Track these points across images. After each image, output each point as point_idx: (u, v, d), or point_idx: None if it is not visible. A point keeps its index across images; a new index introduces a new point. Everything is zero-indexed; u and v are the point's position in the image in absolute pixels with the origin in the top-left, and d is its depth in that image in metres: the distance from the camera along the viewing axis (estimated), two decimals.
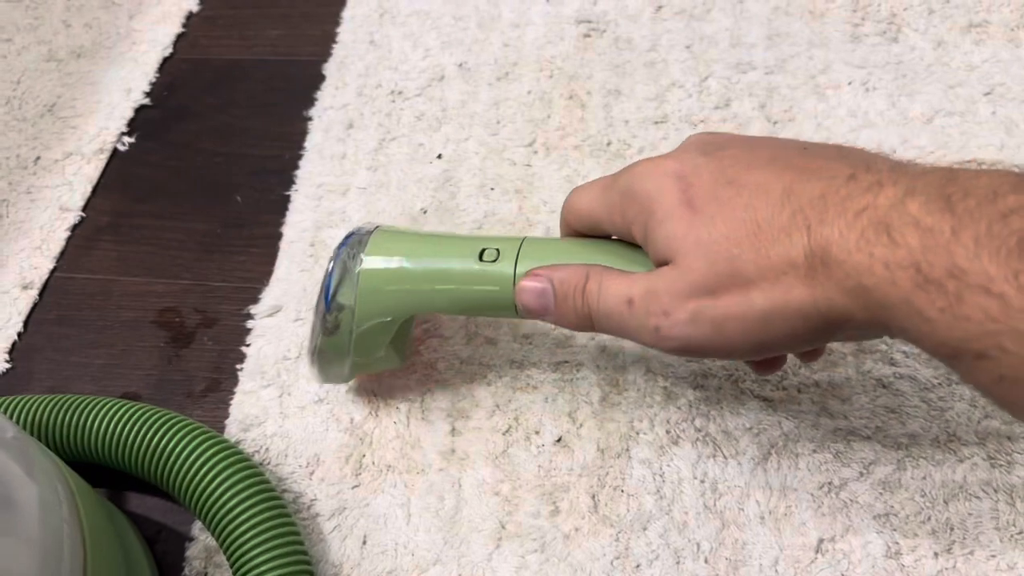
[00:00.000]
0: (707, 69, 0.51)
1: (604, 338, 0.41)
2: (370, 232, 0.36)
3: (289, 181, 0.49)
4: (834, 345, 0.40)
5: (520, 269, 0.33)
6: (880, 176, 0.25)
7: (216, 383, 0.42)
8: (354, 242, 0.35)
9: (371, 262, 0.35)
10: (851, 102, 0.48)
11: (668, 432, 0.38)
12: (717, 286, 0.27)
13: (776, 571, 0.34)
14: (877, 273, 0.24)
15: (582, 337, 0.41)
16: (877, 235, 0.24)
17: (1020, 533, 0.34)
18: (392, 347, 0.37)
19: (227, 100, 0.54)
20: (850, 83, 0.49)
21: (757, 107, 0.48)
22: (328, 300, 0.35)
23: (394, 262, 0.35)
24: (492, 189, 0.47)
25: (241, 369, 0.42)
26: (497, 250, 0.33)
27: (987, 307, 0.22)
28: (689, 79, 0.50)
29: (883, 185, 0.25)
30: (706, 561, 0.35)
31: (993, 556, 0.34)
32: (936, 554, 0.34)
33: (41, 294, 0.46)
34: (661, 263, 0.29)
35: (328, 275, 0.35)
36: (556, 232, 0.43)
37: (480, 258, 0.33)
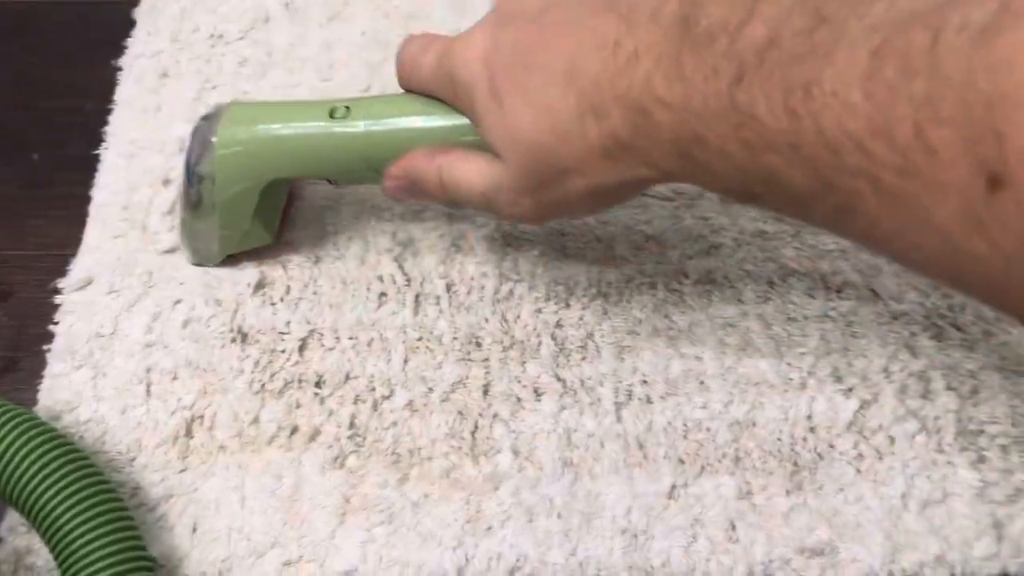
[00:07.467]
0: None
1: (461, 297, 0.39)
2: (227, 105, 0.37)
3: (97, 138, 0.44)
4: (685, 288, 0.39)
5: (368, 125, 0.34)
6: (636, 39, 0.27)
7: (13, 363, 0.38)
8: (212, 114, 0.36)
9: (227, 130, 0.35)
10: None
11: (525, 386, 0.36)
12: (542, 177, 0.30)
13: (629, 520, 0.33)
14: (652, 150, 0.27)
15: (441, 299, 0.39)
16: (644, 119, 0.27)
17: (868, 468, 0.34)
18: (259, 220, 0.38)
19: (21, 49, 0.48)
20: None
21: None
22: (189, 172, 0.36)
23: (249, 128, 0.36)
24: None
25: (49, 350, 0.38)
26: (347, 107, 0.35)
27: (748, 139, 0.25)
28: None
29: (639, 58, 0.27)
30: (559, 516, 0.33)
31: (842, 490, 0.34)
32: (787, 492, 0.34)
33: None
34: (496, 154, 0.31)
35: (187, 149, 0.36)
36: None
37: (331, 116, 0.35)
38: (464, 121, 0.33)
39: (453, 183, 0.33)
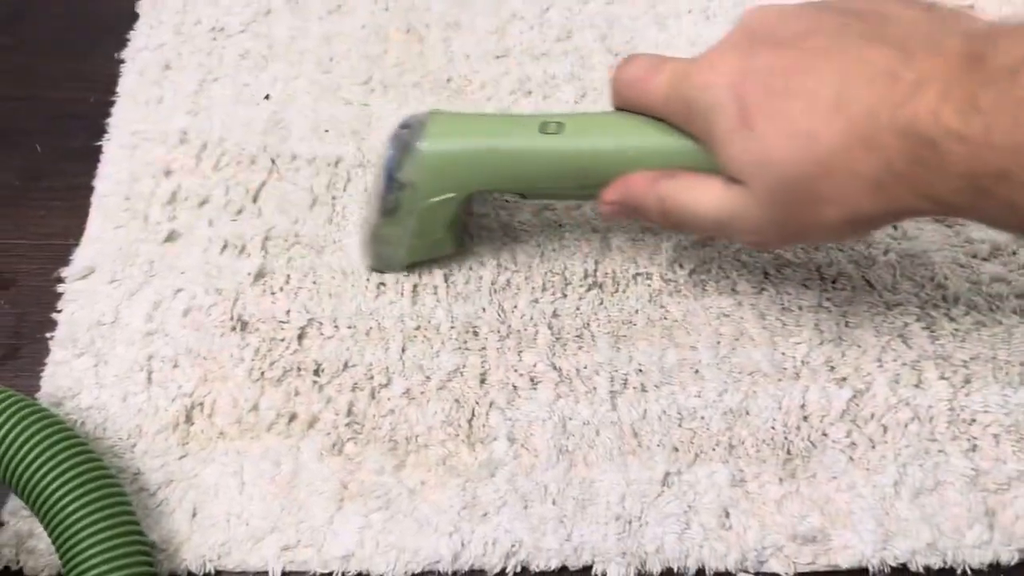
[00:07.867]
0: (548, 0, 0.49)
1: (459, 287, 0.39)
2: (428, 114, 0.36)
3: (100, 129, 0.44)
4: (680, 278, 0.39)
5: (585, 143, 0.34)
6: (917, 72, 0.26)
7: (15, 350, 0.38)
8: (413, 122, 0.36)
9: (434, 139, 0.35)
10: (691, 31, 0.47)
11: (522, 375, 0.37)
12: (793, 206, 0.29)
13: (623, 507, 0.33)
14: (936, 183, 0.26)
15: (439, 289, 0.39)
16: (929, 151, 0.26)
17: (861, 456, 0.35)
18: (449, 230, 0.37)
19: (23, 40, 0.49)
20: (690, 12, 0.48)
21: (598, 39, 0.47)
22: (389, 179, 0.35)
23: (458, 139, 0.35)
24: (327, 131, 0.44)
25: (51, 337, 0.38)
26: (558, 123, 0.34)
27: None
28: (530, 11, 0.48)
29: (922, 90, 0.26)
30: (554, 503, 0.34)
31: (835, 478, 0.34)
32: (780, 479, 0.34)
33: None
34: (734, 179, 0.30)
35: (388, 156, 0.35)
36: None
37: (542, 131, 0.34)
38: (690, 144, 0.32)
39: (679, 209, 0.32)
